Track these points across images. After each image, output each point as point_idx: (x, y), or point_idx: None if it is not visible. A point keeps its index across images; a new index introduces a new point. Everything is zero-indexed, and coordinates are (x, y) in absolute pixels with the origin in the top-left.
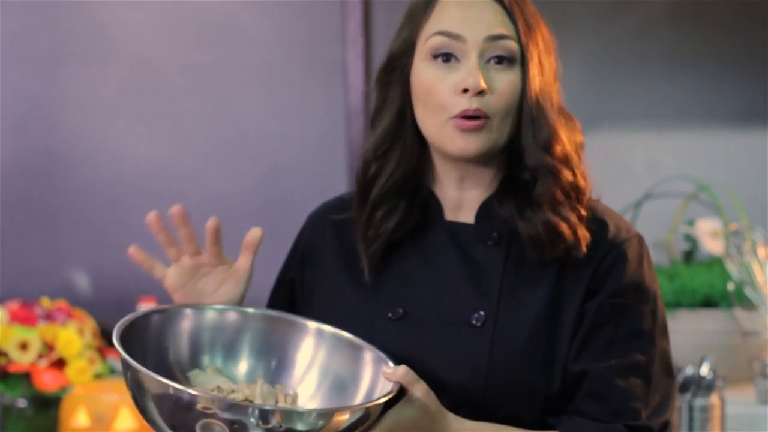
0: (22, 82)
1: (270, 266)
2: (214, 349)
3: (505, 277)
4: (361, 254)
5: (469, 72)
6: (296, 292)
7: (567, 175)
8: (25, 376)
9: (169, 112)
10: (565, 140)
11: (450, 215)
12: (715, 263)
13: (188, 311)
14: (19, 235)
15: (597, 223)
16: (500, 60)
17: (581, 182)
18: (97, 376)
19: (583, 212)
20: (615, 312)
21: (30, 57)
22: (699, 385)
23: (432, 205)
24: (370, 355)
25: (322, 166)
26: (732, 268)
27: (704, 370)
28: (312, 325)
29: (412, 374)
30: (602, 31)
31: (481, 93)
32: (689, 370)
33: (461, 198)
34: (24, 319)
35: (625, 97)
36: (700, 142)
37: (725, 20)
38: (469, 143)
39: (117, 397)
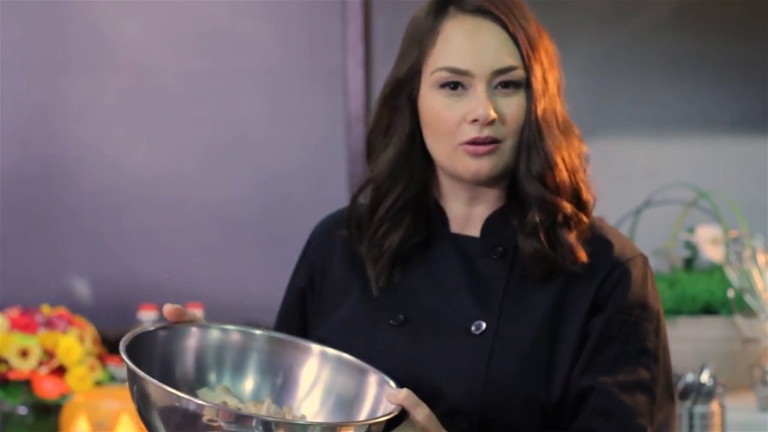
0: (22, 90)
1: (271, 272)
2: (220, 368)
3: (508, 289)
4: (368, 270)
5: (478, 102)
6: (307, 300)
7: (565, 207)
8: (26, 384)
9: (169, 119)
10: (563, 166)
11: (456, 228)
12: (715, 270)
13: (194, 329)
14: (19, 242)
15: (602, 241)
16: (506, 84)
17: (585, 196)
18: (98, 384)
19: (585, 221)
20: (622, 328)
21: (30, 64)
22: (699, 392)
23: (438, 218)
24: (373, 377)
25: (322, 173)
26: (732, 275)
27: (704, 377)
28: (316, 348)
29: (413, 397)
30: (602, 38)
31: (491, 122)
32: (689, 378)
33: (469, 213)
34: (24, 326)
35: (625, 105)
36: (700, 150)
37: (725, 27)
38: (482, 166)
39: (117, 404)
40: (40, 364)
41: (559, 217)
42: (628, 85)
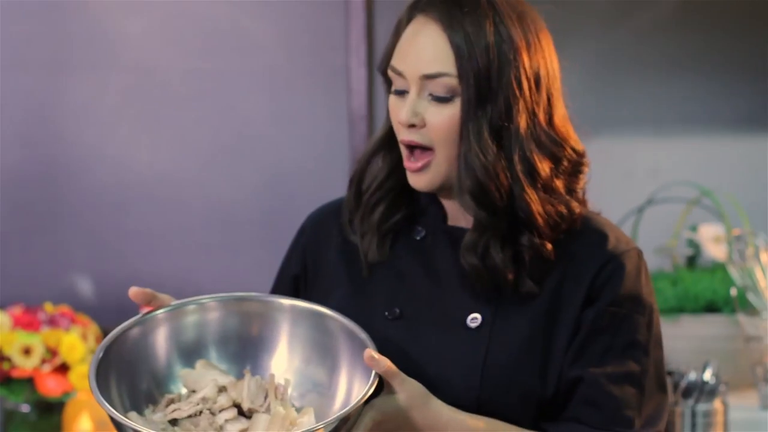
0: (25, 89)
1: (273, 271)
2: (197, 347)
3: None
4: (359, 246)
5: (403, 106)
6: (299, 288)
7: (495, 225)
8: (29, 381)
9: (171, 119)
10: (494, 186)
11: (452, 221)
12: (718, 269)
13: (160, 316)
14: (22, 241)
15: (597, 234)
16: (436, 98)
17: (536, 217)
18: None
19: (547, 247)
20: (612, 321)
21: (33, 64)
22: (702, 391)
23: (433, 211)
24: (342, 326)
25: (325, 172)
26: (735, 273)
27: (707, 376)
28: (286, 302)
29: (394, 368)
30: (605, 36)
31: (413, 126)
32: (692, 376)
33: (457, 205)
34: (27, 324)
35: (628, 103)
36: (703, 148)
37: (728, 26)
38: (417, 181)
39: None
40: (43, 362)
41: (494, 235)
42: (631, 83)
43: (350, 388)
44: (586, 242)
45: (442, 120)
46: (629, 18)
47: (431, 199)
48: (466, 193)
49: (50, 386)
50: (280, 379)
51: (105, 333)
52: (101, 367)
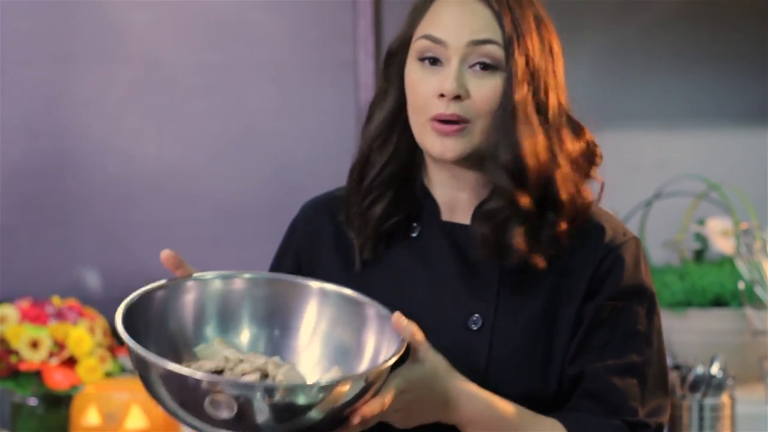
0: (32, 82)
1: None
2: (217, 320)
3: (503, 279)
4: (354, 241)
5: (446, 76)
6: None
7: (523, 201)
8: (36, 375)
9: (179, 111)
10: (533, 160)
11: (446, 216)
12: (726, 262)
13: (190, 284)
14: (29, 234)
15: (594, 227)
16: (484, 66)
17: (562, 196)
18: (108, 375)
19: (562, 226)
20: (612, 314)
21: (40, 56)
22: (709, 385)
23: (428, 206)
24: (373, 311)
25: (332, 165)
26: (742, 267)
27: (714, 370)
28: (315, 284)
29: (421, 336)
30: (613, 30)
31: (458, 98)
32: (699, 370)
33: (455, 199)
34: (35, 317)
35: (636, 97)
36: (711, 141)
37: (735, 19)
38: (447, 147)
39: (128, 395)
40: (51, 355)
41: (516, 211)
42: (639, 77)
43: (376, 357)
44: (583, 236)
45: (485, 92)
46: (637, 12)
47: (425, 193)
48: (502, 166)
49: (58, 380)
50: (298, 367)
51: (113, 327)
52: (129, 316)
